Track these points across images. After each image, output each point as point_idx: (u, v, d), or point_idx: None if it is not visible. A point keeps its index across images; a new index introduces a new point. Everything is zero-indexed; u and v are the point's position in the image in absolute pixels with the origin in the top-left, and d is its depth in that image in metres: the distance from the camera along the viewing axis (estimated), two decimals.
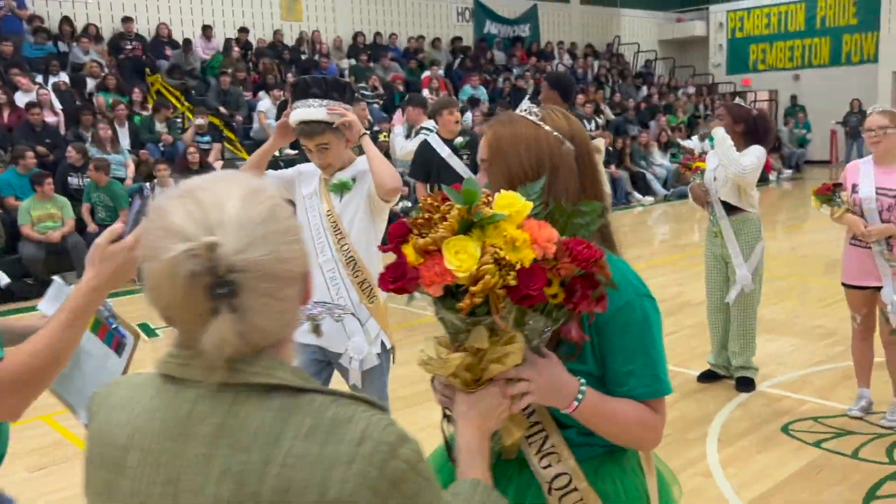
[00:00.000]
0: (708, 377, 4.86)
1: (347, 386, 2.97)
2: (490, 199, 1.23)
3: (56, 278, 1.86)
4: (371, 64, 15.51)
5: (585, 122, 13.32)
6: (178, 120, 11.92)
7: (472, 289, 1.15)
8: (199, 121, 11.20)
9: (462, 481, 1.20)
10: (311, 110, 2.76)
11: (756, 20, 21.93)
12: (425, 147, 5.90)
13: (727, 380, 4.83)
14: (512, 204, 1.20)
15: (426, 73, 15.52)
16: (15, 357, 1.37)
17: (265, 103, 12.72)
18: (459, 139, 5.80)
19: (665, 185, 15.53)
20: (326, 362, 3.05)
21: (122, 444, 0.98)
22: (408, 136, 7.53)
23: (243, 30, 14.77)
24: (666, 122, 17.05)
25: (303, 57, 15.10)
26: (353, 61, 15.54)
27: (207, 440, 0.93)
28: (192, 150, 10.19)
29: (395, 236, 1.24)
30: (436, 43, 17.61)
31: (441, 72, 15.98)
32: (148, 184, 9.38)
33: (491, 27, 19.15)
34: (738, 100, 5.67)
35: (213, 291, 0.90)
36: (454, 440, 1.41)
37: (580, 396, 1.35)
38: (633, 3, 22.56)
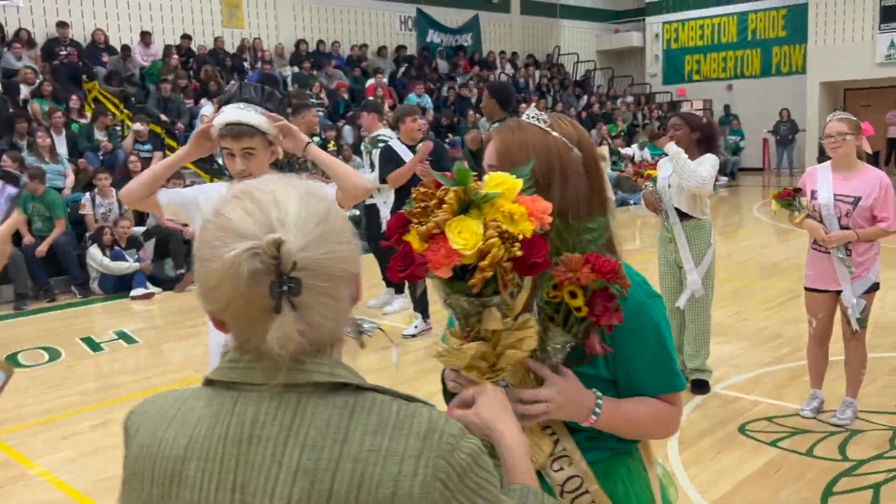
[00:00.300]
0: None
1: None
2: (478, 183, 1.26)
3: None
4: (314, 72, 15.41)
5: None
6: (118, 128, 11.62)
7: (481, 263, 1.17)
8: (138, 126, 10.92)
9: (511, 488, 1.18)
10: (244, 112, 2.59)
11: (690, 32, 22.56)
12: (389, 150, 5.93)
13: None
14: (503, 182, 1.23)
15: (370, 82, 15.49)
16: None
17: (208, 108, 12.50)
18: (421, 145, 5.84)
19: None
20: None
21: (177, 455, 0.97)
22: (358, 143, 7.52)
23: (186, 37, 14.51)
24: (606, 131, 17.37)
25: (245, 64, 14.90)
26: (296, 69, 15.40)
27: (276, 441, 0.93)
28: (133, 158, 9.98)
29: (395, 229, 1.25)
30: (381, 51, 17.60)
31: (385, 80, 15.97)
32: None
33: (433, 36, 19.23)
34: (686, 108, 5.81)
35: (277, 289, 0.90)
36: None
37: (598, 410, 1.39)
38: (572, 14, 22.96)
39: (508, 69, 19.54)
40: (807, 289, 4.18)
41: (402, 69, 17.19)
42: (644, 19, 23.38)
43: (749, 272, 8.71)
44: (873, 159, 4.11)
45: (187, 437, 0.97)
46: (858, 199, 3.89)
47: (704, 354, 4.80)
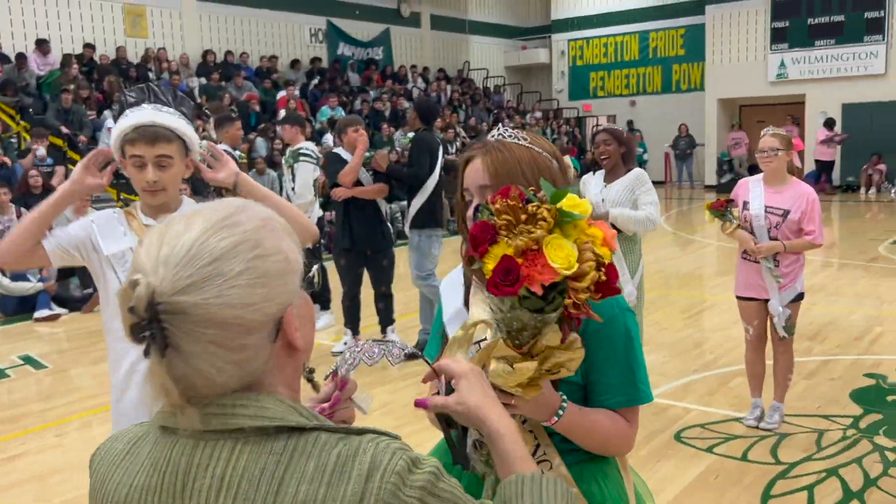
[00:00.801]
0: None
1: None
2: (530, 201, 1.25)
3: None
4: (223, 83, 15.02)
5: (448, 145, 13.52)
6: (14, 140, 10.98)
7: (579, 284, 1.18)
8: (41, 151, 10.34)
9: (512, 481, 1.06)
10: (161, 114, 2.19)
11: (595, 49, 23.23)
12: (335, 155, 5.86)
13: None
14: (578, 204, 1.22)
15: (282, 94, 15.22)
16: None
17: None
18: (367, 154, 5.77)
19: None
20: None
21: (118, 501, 0.93)
22: (271, 156, 7.35)
23: (88, 46, 13.88)
24: None
25: (150, 75, 14.39)
26: (203, 80, 14.98)
27: (208, 494, 0.88)
28: (33, 172, 9.44)
29: (483, 239, 1.21)
30: (295, 65, 17.31)
31: (297, 92, 15.73)
32: None
33: (345, 49, 19.09)
34: (608, 124, 5.93)
35: (137, 332, 0.85)
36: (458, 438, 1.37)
37: (561, 412, 1.42)
38: (480, 30, 23.27)
39: (420, 83, 19.60)
40: (738, 297, 4.32)
41: (315, 81, 16.98)
42: (550, 36, 23.93)
43: (662, 282, 8.95)
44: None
45: (128, 485, 0.93)
46: (788, 211, 4.06)
47: None
